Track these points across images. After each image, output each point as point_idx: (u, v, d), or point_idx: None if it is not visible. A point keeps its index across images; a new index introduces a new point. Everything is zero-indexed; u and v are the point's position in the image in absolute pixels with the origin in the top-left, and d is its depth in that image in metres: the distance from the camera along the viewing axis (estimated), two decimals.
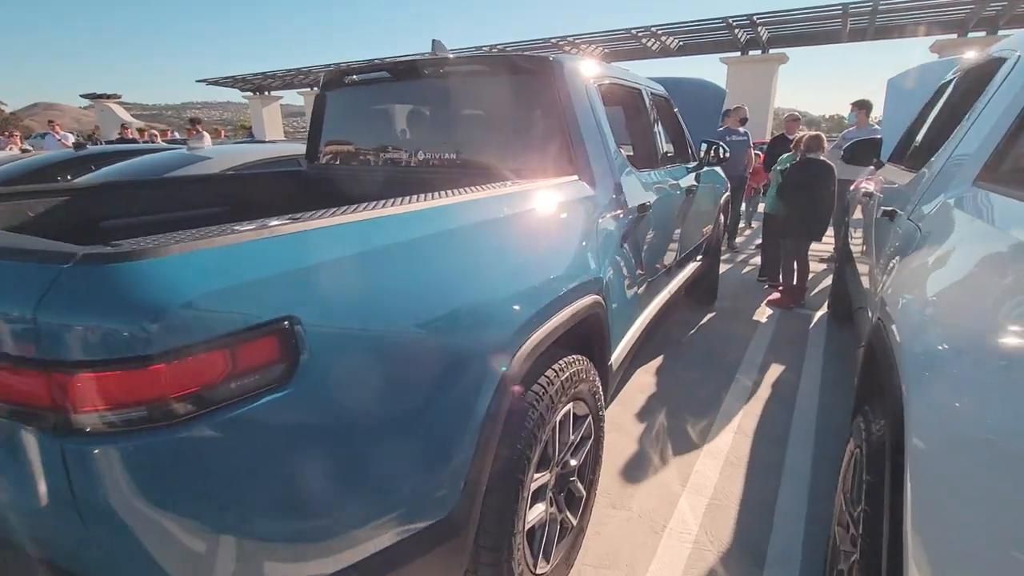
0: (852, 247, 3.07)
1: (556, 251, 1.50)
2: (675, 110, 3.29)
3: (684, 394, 2.80)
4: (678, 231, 2.76)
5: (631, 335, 2.13)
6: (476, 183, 1.51)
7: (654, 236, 2.33)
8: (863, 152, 2.96)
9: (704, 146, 3.31)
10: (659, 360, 3.19)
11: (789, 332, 3.69)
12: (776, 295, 4.33)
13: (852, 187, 3.89)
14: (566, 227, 1.58)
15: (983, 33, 12.23)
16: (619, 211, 1.91)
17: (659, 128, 2.78)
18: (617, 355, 1.94)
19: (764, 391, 2.86)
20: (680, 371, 3.06)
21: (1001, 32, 11.61)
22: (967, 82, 2.13)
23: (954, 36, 12.39)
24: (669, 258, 2.73)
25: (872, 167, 3.20)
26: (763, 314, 4.07)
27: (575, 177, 1.76)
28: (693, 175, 3.14)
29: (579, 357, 1.53)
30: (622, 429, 2.47)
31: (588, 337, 1.69)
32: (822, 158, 4.03)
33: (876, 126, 5.22)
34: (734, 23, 12.62)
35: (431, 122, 2.28)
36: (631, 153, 2.79)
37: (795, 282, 4.22)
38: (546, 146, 1.85)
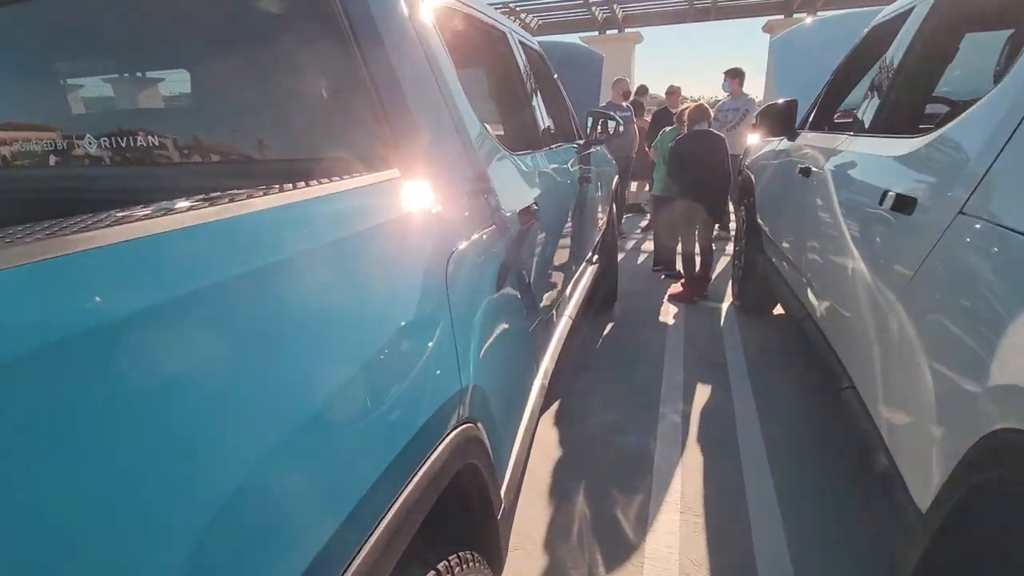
0: (771, 235, 2.57)
1: (353, 358, 0.62)
2: (554, 74, 2.54)
3: (605, 453, 2.09)
4: (572, 236, 2.02)
5: (526, 422, 1.33)
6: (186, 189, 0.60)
7: (544, 254, 1.55)
8: (778, 118, 2.45)
9: (590, 120, 2.61)
10: (566, 401, 2.46)
11: (701, 335, 3.18)
12: (677, 288, 3.84)
13: (748, 161, 3.47)
14: (375, 288, 0.71)
15: (804, 13, 13.41)
16: (488, 227, 1.08)
17: (537, 94, 1.99)
18: (510, 480, 1.12)
19: (696, 428, 2.25)
20: (594, 414, 2.36)
21: (820, 13, 12.78)
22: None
23: (781, 17, 13.43)
24: (565, 276, 1.98)
25: (779, 137, 2.72)
26: (668, 313, 3.55)
27: (395, 172, 0.89)
28: (582, 156, 2.42)
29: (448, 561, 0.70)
30: (529, 538, 1.68)
31: (460, 499, 0.86)
32: (710, 129, 3.58)
33: (750, 96, 4.99)
34: (592, 1, 12.47)
35: (120, 87, 1.25)
36: (500, 132, 1.98)
37: (697, 271, 3.77)
38: (333, 116, 0.96)
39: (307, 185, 0.69)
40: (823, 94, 2.52)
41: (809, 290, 1.96)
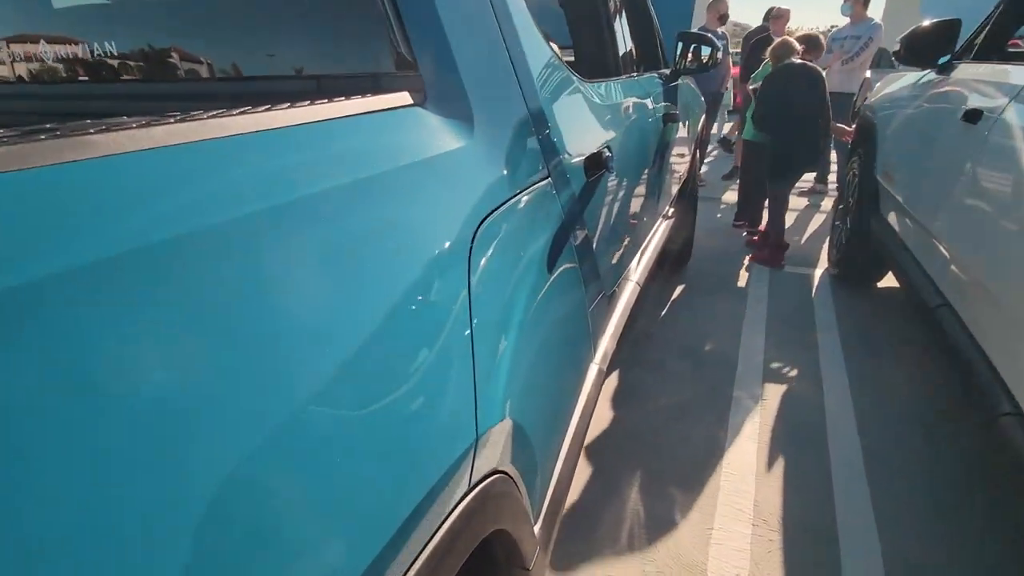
0: (899, 195, 2.08)
1: (305, 401, 0.38)
2: None
3: (665, 443, 1.82)
4: (649, 188, 1.66)
5: (576, 425, 1.07)
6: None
7: (614, 212, 1.23)
8: (929, 45, 1.89)
9: (680, 45, 2.16)
10: (625, 374, 2.19)
11: (787, 308, 2.76)
12: (761, 251, 3.37)
13: (869, 100, 2.86)
14: (344, 284, 0.45)
15: None
16: (540, 180, 0.79)
17: (618, 6, 1.59)
18: (549, 508, 0.88)
19: (777, 421, 1.92)
20: (656, 393, 2.08)
21: None
22: None
23: None
24: (637, 238, 1.65)
25: (924, 69, 2.15)
26: (748, 278, 3.12)
27: (404, 97, 0.61)
28: (667, 90, 2.00)
29: None
30: (571, 544, 1.48)
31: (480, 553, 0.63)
32: (803, 62, 2.97)
33: (875, 21, 4.15)
34: None
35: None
36: (568, 57, 1.61)
37: (772, 235, 3.26)
38: (319, 15, 0.67)
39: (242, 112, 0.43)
40: (996, 13, 1.92)
41: (955, 272, 1.53)
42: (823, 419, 1.92)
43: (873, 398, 2.02)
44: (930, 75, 2.06)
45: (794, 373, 2.20)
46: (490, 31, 0.74)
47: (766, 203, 3.31)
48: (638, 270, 1.82)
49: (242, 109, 0.45)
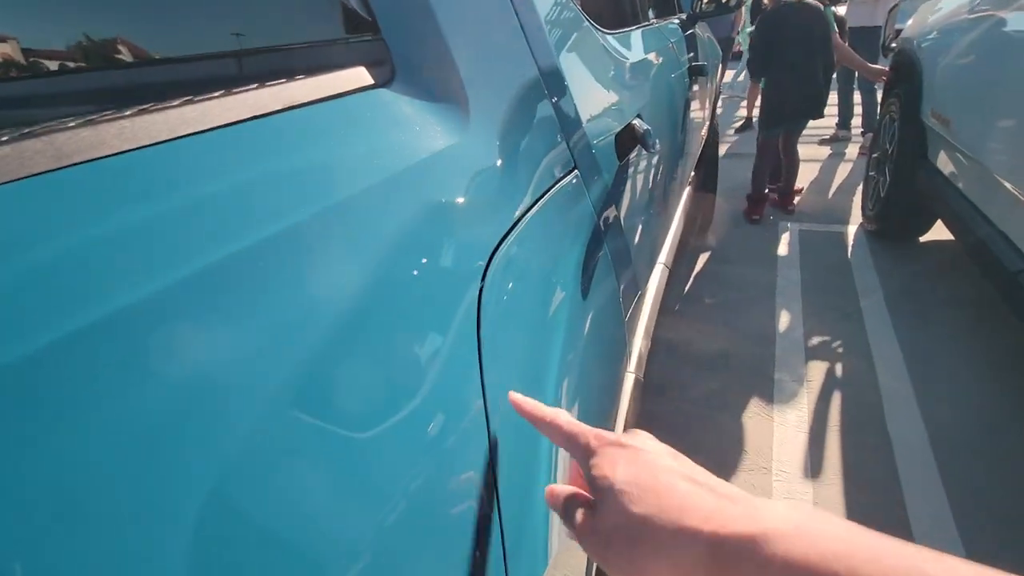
0: (957, 140, 1.82)
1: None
2: None
3: (706, 436, 1.64)
4: (677, 158, 1.43)
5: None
6: None
7: (648, 196, 1.02)
8: None
9: None
10: (650, 363, 1.99)
11: (823, 271, 2.53)
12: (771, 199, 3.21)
13: (909, 31, 2.55)
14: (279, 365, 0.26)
15: None
16: (567, 175, 0.58)
17: None
18: None
19: (828, 404, 1.73)
20: (688, 382, 1.89)
21: None
22: None
23: None
24: (667, 217, 1.42)
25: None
26: (776, 240, 2.88)
27: (361, 74, 0.40)
28: (686, 38, 1.74)
29: None
30: None
31: None
32: (813, 2, 2.70)
33: None
34: None
35: None
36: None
37: (780, 182, 3.14)
38: None
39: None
40: None
41: None
42: (879, 400, 1.73)
43: (933, 371, 1.82)
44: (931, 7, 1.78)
45: (840, 348, 2.00)
46: None
47: (786, 157, 3.08)
48: (665, 250, 1.61)
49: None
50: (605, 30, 0.82)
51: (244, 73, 0.38)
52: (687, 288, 2.49)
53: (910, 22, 2.64)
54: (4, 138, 0.23)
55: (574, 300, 0.57)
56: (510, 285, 0.43)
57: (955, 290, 2.22)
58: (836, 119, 4.43)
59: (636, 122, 0.79)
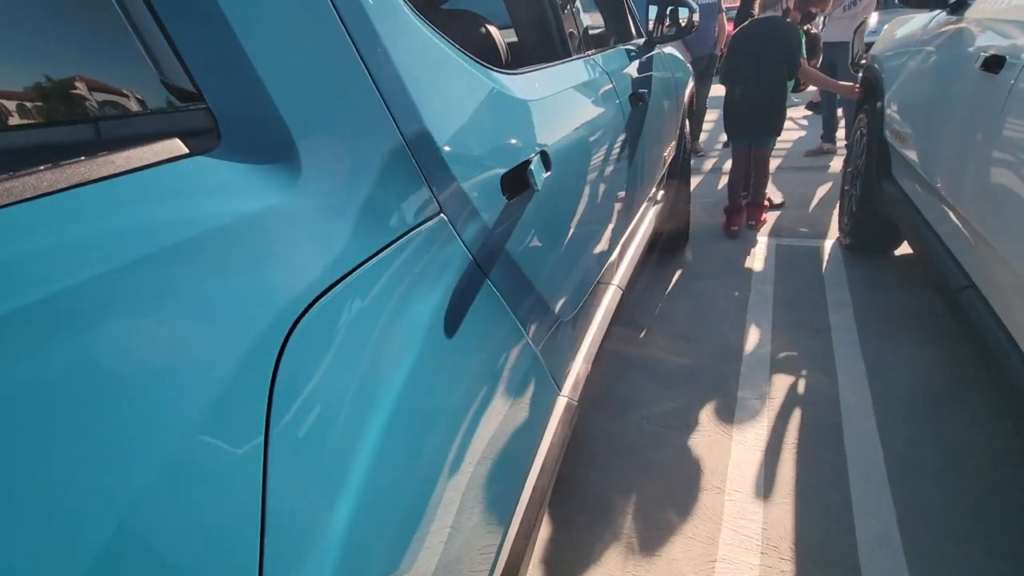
0: (911, 156, 1.83)
1: None
2: None
3: (662, 455, 1.65)
4: (620, 183, 1.45)
5: (527, 500, 0.89)
6: None
7: (568, 228, 1.04)
8: None
9: (654, 10, 1.93)
10: (615, 380, 2.01)
11: (796, 287, 2.53)
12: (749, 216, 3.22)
13: (876, 50, 2.58)
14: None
15: None
16: (427, 221, 0.60)
17: None
18: None
19: (787, 422, 1.73)
20: (650, 396, 1.89)
21: None
22: None
23: None
24: (607, 243, 1.45)
25: (933, 10, 1.89)
26: (754, 256, 2.89)
27: (176, 145, 0.43)
28: (638, 63, 1.77)
29: None
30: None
31: None
32: (774, 16, 2.80)
33: None
34: None
35: None
36: (513, 39, 1.39)
37: (748, 196, 3.19)
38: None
39: None
40: None
41: (982, 248, 1.31)
42: (839, 417, 1.73)
43: (893, 386, 1.81)
44: (940, 16, 1.80)
45: (805, 364, 2.00)
46: (322, 21, 0.54)
47: (754, 170, 3.12)
48: (619, 272, 1.63)
49: None
50: (501, 71, 0.85)
51: (64, 143, 0.41)
52: (658, 305, 2.50)
53: (878, 39, 2.67)
54: None
55: (432, 344, 0.59)
56: (324, 342, 0.45)
57: (924, 302, 2.22)
58: (821, 132, 4.45)
59: (534, 158, 0.82)
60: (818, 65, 3.50)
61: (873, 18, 3.65)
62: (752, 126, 2.99)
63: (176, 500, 0.34)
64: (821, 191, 3.71)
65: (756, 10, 3.06)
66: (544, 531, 1.43)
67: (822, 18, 3.86)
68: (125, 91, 0.44)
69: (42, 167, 0.37)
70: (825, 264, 2.71)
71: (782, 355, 2.06)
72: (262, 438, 0.38)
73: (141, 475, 0.33)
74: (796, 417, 1.75)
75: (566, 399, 1.13)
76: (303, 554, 0.39)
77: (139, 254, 0.36)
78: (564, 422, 1.08)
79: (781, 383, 1.91)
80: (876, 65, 2.43)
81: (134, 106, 0.44)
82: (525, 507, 0.87)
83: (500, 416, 0.78)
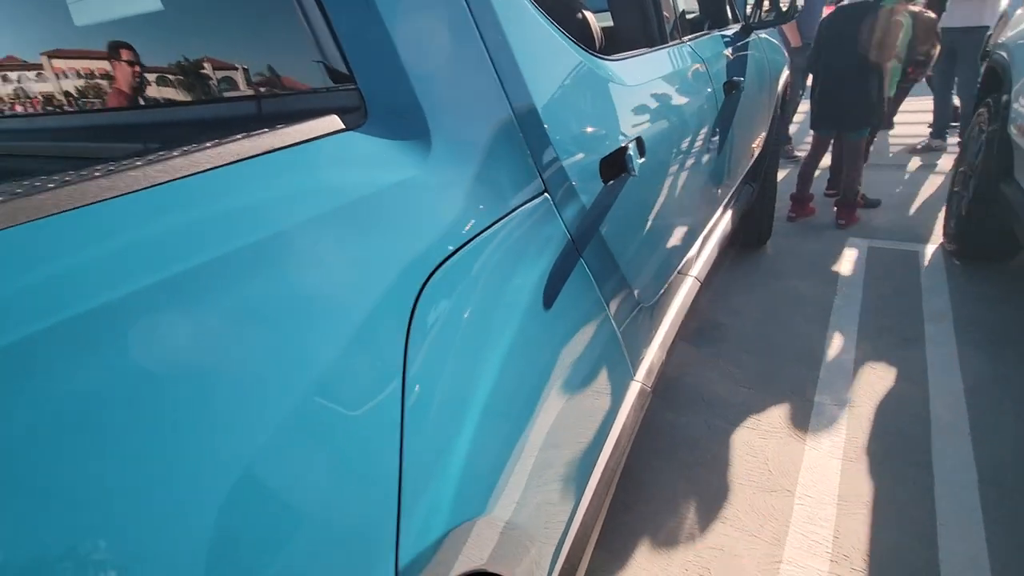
0: None
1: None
2: None
3: (729, 456, 1.63)
4: (706, 173, 1.43)
5: (603, 467, 0.93)
6: None
7: (654, 212, 1.05)
8: None
9: None
10: (687, 375, 1.99)
11: (888, 293, 2.38)
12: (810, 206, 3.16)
13: (1003, 36, 2.34)
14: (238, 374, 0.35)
15: None
16: (533, 199, 0.65)
17: None
18: None
19: (869, 434, 1.65)
20: (722, 397, 1.86)
21: None
22: None
23: None
24: (689, 233, 1.43)
25: None
26: (842, 256, 2.73)
27: (334, 121, 0.49)
28: (733, 50, 1.72)
29: None
30: None
31: None
32: (871, 1, 2.58)
33: None
34: None
35: None
36: (606, 25, 1.40)
37: (841, 189, 3.03)
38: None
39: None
40: None
41: None
42: (927, 433, 1.63)
43: (996, 407, 1.68)
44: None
45: (893, 374, 1.89)
46: (453, 9, 0.59)
47: (845, 164, 2.95)
48: (698, 264, 1.61)
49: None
50: (603, 57, 0.87)
51: (232, 120, 0.48)
52: (736, 301, 2.43)
53: (1007, 23, 2.41)
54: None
55: (531, 312, 0.63)
56: (447, 301, 0.51)
57: None
58: (930, 127, 4.08)
59: (630, 144, 0.84)
60: (934, 54, 3.20)
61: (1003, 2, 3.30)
62: (837, 120, 2.86)
63: (331, 430, 0.40)
64: (926, 192, 3.42)
65: None
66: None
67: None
68: (295, 70, 0.51)
69: (239, 135, 0.44)
70: (924, 271, 2.52)
71: (867, 363, 1.96)
72: (400, 376, 0.44)
73: (303, 404, 0.39)
74: (879, 428, 1.67)
75: (639, 384, 1.15)
76: (432, 481, 0.46)
77: (309, 214, 0.43)
78: (636, 407, 1.10)
79: (864, 392, 1.82)
80: (1003, 53, 2.20)
81: (302, 84, 0.51)
82: (596, 483, 0.91)
83: (579, 389, 0.81)
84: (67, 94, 0.76)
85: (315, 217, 0.43)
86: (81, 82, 0.70)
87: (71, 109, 0.77)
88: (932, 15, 3.12)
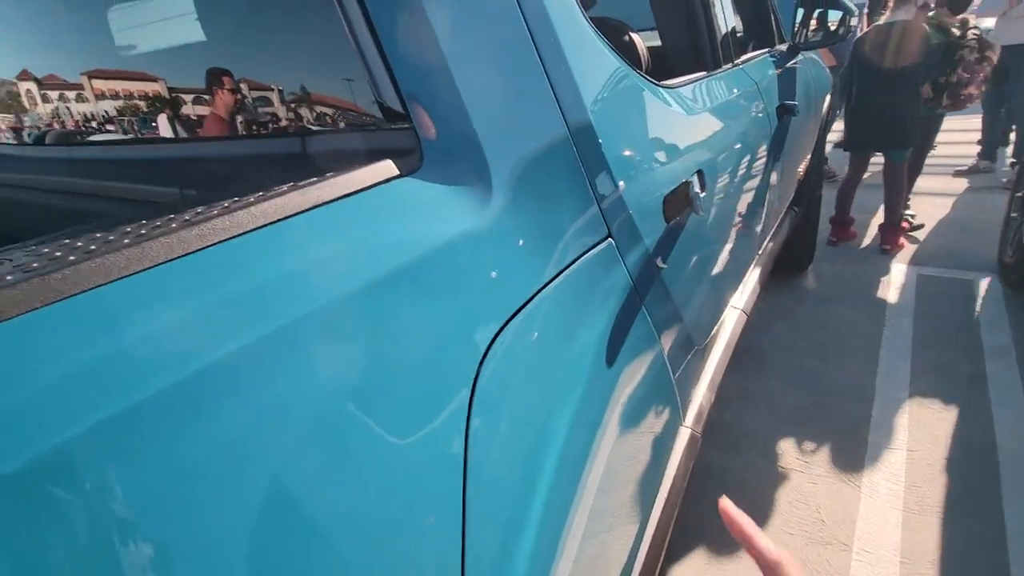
0: None
1: None
2: None
3: (781, 507, 1.52)
4: (758, 203, 1.35)
5: (652, 534, 0.85)
6: None
7: (710, 250, 0.98)
8: None
9: (799, 12, 1.79)
10: (728, 411, 1.88)
11: (943, 324, 2.24)
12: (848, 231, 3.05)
13: None
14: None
15: None
16: (598, 245, 0.58)
17: None
18: None
19: (930, 483, 1.53)
20: (765, 437, 1.75)
21: None
22: None
23: None
24: (740, 267, 1.35)
25: None
26: (890, 284, 2.60)
27: (389, 166, 0.44)
28: (782, 72, 1.64)
29: None
30: None
31: None
32: (904, 21, 2.52)
33: None
34: None
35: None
36: (656, 44, 1.34)
37: (886, 217, 2.89)
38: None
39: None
40: None
41: None
42: (996, 481, 1.50)
43: None
44: None
45: (954, 415, 1.75)
46: (515, 38, 0.54)
47: (899, 187, 2.82)
48: (744, 295, 1.52)
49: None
50: (663, 85, 0.81)
51: (278, 171, 0.44)
52: (778, 331, 2.32)
53: None
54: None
55: (595, 367, 0.57)
56: (510, 365, 0.45)
57: None
58: (979, 148, 3.91)
59: (693, 179, 0.78)
60: (983, 75, 3.06)
61: None
62: (871, 143, 2.80)
63: (395, 499, 0.35)
64: (974, 216, 3.26)
65: (887, 12, 2.73)
66: None
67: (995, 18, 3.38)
68: (353, 109, 0.46)
69: (285, 187, 0.39)
70: (980, 302, 2.37)
71: (924, 401, 1.83)
72: (463, 437, 0.39)
73: (366, 476, 0.34)
74: (940, 475, 1.54)
75: (689, 430, 1.07)
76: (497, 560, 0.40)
77: (365, 279, 0.37)
78: (687, 456, 1.02)
79: (921, 433, 1.69)
80: None
81: (356, 122, 0.46)
82: (648, 546, 0.83)
83: (634, 444, 0.74)
84: (105, 125, 0.73)
85: (372, 281, 0.37)
86: (126, 117, 0.67)
87: (113, 139, 0.74)
88: (973, 33, 2.95)
